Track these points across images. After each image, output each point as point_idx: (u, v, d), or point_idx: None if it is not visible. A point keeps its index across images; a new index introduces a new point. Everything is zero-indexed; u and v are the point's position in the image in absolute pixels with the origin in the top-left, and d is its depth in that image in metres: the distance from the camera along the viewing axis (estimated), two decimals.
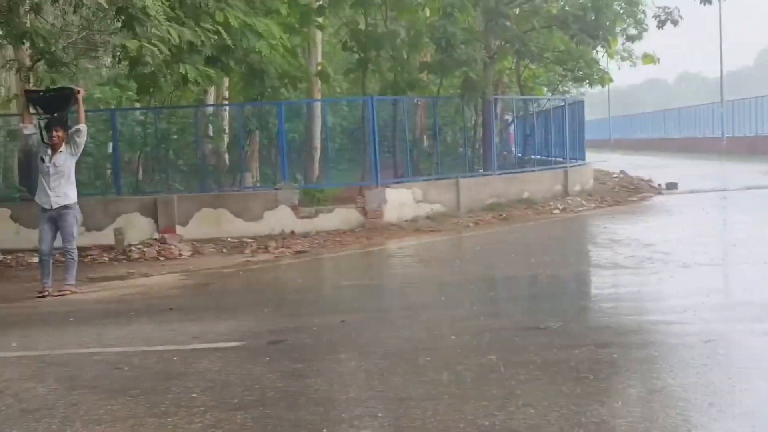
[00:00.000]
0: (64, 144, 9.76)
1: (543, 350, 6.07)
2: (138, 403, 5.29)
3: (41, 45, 13.64)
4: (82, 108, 10.22)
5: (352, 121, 21.03)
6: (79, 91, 10.38)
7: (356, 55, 18.44)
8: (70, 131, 9.90)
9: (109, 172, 18.16)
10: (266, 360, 6.20)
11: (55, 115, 10.07)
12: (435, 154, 18.29)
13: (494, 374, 5.52)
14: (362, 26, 17.95)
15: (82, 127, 10.02)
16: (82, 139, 10.01)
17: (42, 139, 9.86)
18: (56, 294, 9.70)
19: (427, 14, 19.03)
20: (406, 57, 18.46)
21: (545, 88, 26.88)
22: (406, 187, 15.75)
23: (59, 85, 11.20)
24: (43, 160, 9.76)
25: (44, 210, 9.77)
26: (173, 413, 5.03)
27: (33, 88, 11.23)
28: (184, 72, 13.80)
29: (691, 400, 4.85)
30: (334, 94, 21.57)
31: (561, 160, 20.51)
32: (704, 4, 18.10)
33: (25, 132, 10.14)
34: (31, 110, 10.21)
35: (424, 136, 21.17)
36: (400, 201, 15.21)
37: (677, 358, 5.80)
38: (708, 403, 4.77)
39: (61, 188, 9.71)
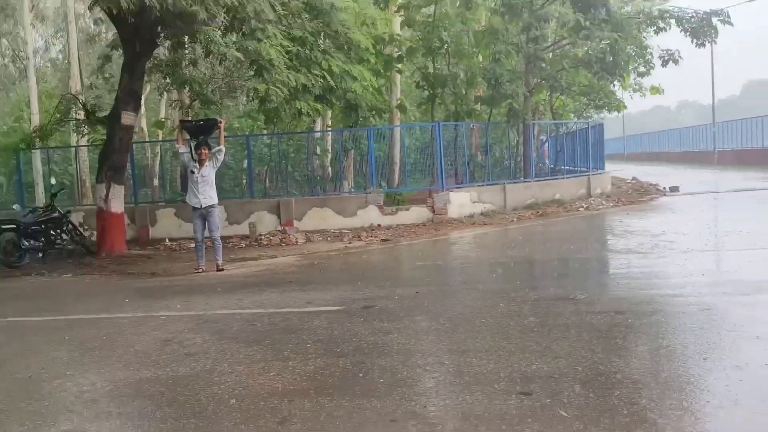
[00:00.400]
0: (208, 160, 9.99)
1: (573, 315, 5.99)
2: (267, 350, 5.43)
3: (197, 89, 14.15)
4: (222, 134, 10.45)
5: (423, 141, 20.98)
6: (221, 122, 10.68)
7: (426, 92, 18.39)
8: (213, 150, 10.11)
9: (245, 181, 18.60)
10: (361, 320, 6.25)
11: (201, 138, 10.30)
12: (486, 166, 18.08)
13: (534, 333, 5.46)
14: (431, 70, 17.89)
15: (222, 148, 10.30)
16: (221, 157, 10.27)
17: (192, 156, 10.14)
18: (210, 271, 9.98)
19: (480, 59, 18.82)
20: (464, 92, 18.31)
21: (572, 114, 26.25)
22: (465, 191, 15.61)
23: (209, 118, 11.49)
24: (192, 172, 10.00)
25: (195, 209, 10.05)
26: (293, 358, 5.15)
27: (186, 119, 11.56)
28: (299, 107, 14.04)
29: (690, 355, 4.74)
30: (409, 122, 21.52)
31: (585, 169, 20.01)
32: (698, 47, 17.38)
33: (180, 151, 10.43)
34: (185, 136, 10.48)
35: (478, 152, 21.00)
36: (460, 201, 15.09)
37: (679, 322, 5.66)
38: (703, 358, 4.64)
39: (207, 192, 9.95)
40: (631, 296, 6.89)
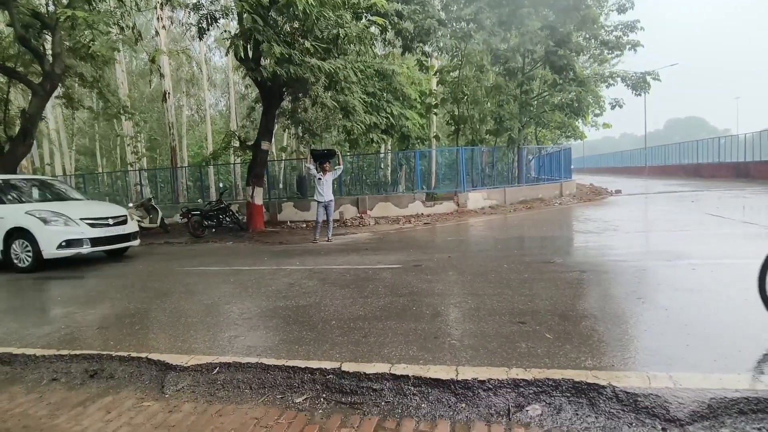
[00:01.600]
0: (328, 172, 10.05)
1: (552, 273, 5.82)
2: (354, 291, 5.46)
3: (306, 126, 14.30)
4: (340, 158, 10.41)
5: (451, 159, 20.60)
6: (336, 151, 10.71)
7: (453, 127, 18.13)
8: (334, 167, 10.18)
9: (336, 184, 18.71)
10: (413, 274, 6.23)
11: (324, 160, 10.35)
12: (493, 175, 17.67)
13: (527, 284, 5.33)
14: (456, 112, 17.62)
15: (339, 167, 10.36)
16: (339, 171, 10.34)
17: (317, 169, 10.28)
18: (323, 241, 10.03)
19: (489, 105, 18.39)
20: (478, 127, 17.99)
21: (550, 141, 25.32)
22: (479, 192, 15.31)
23: (329, 148, 11.53)
24: (319, 179, 10.08)
25: (319, 202, 10.15)
26: (370, 296, 5.17)
27: (314, 148, 11.57)
28: (371, 137, 14.07)
29: (631, 300, 4.53)
30: (442, 147, 21.25)
31: (558, 178, 19.25)
32: (636, 96, 16.50)
33: (309, 166, 10.53)
34: (311, 159, 10.53)
35: (487, 166, 20.50)
36: (476, 199, 14.84)
37: (624, 278, 5.40)
38: (642, 301, 4.43)
39: (327, 192, 10.02)
40: (591, 261, 6.62)
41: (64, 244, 7.85)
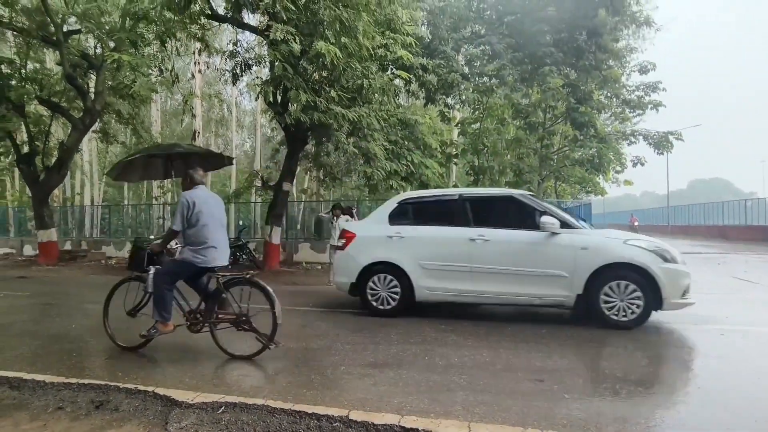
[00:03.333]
0: (342, 218, 10.11)
1: (571, 329, 5.60)
2: (365, 336, 5.28)
3: (328, 170, 14.61)
4: (353, 215, 10.45)
5: None
6: (351, 207, 10.86)
7: (472, 177, 18.30)
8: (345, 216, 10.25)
9: None
10: (426, 322, 6.05)
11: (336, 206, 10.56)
12: None
13: (545, 340, 5.15)
14: (476, 163, 17.86)
15: (347, 218, 10.24)
16: (351, 219, 10.26)
17: (332, 215, 10.49)
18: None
19: (509, 157, 18.61)
20: (497, 178, 18.08)
21: (570, 196, 25.25)
22: None
23: (349, 206, 11.63)
24: (331, 223, 10.30)
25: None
26: (382, 342, 5.00)
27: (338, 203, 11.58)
28: (391, 184, 14.12)
29: (656, 363, 4.29)
30: None
31: None
32: (658, 155, 16.56)
33: (324, 216, 10.72)
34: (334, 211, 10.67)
35: None
36: None
37: (647, 339, 5.13)
38: (666, 365, 4.19)
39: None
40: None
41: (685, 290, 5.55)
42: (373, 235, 6.48)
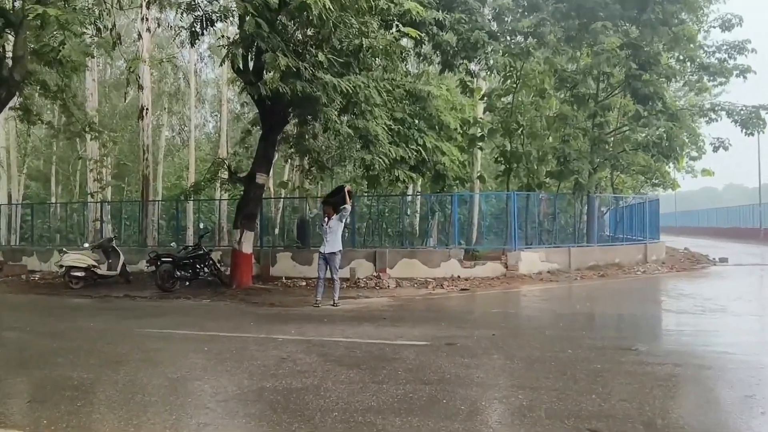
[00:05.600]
0: (334, 215, 10.15)
1: (634, 365, 5.61)
2: (365, 374, 5.39)
3: (315, 157, 14.59)
4: (347, 196, 10.29)
5: (498, 207, 20.66)
6: (344, 187, 10.76)
7: (503, 166, 18.31)
8: (339, 207, 10.19)
9: (347, 233, 18.76)
10: (444, 354, 6.12)
11: (331, 200, 10.48)
12: (553, 231, 17.58)
13: (600, 378, 5.14)
14: (508, 148, 17.88)
15: (348, 206, 10.27)
16: (345, 213, 10.26)
17: (323, 215, 10.49)
18: (328, 305, 9.94)
19: (551, 140, 18.61)
20: (536, 167, 18.11)
21: (630, 190, 25.21)
22: (534, 251, 15.15)
23: (339, 186, 11.70)
24: (321, 225, 10.31)
25: (320, 253, 10.26)
26: (386, 381, 5.08)
27: (327, 198, 11.60)
28: (397, 175, 14.19)
29: (744, 409, 4.30)
30: (487, 191, 21.39)
31: (641, 238, 19.01)
32: (747, 136, 16.49)
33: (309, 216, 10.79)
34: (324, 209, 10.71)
35: (546, 219, 20.48)
36: (530, 260, 14.64)
37: (731, 377, 5.16)
38: (760, 411, 4.20)
39: (331, 241, 10.06)
40: (686, 351, 6.39)
41: None
42: None
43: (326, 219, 10.26)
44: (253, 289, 12.53)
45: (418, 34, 11.88)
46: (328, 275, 10.24)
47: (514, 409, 4.35)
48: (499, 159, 18.48)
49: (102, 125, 20.57)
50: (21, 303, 11.53)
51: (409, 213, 20.06)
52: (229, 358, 6.05)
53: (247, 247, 13.02)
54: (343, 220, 10.36)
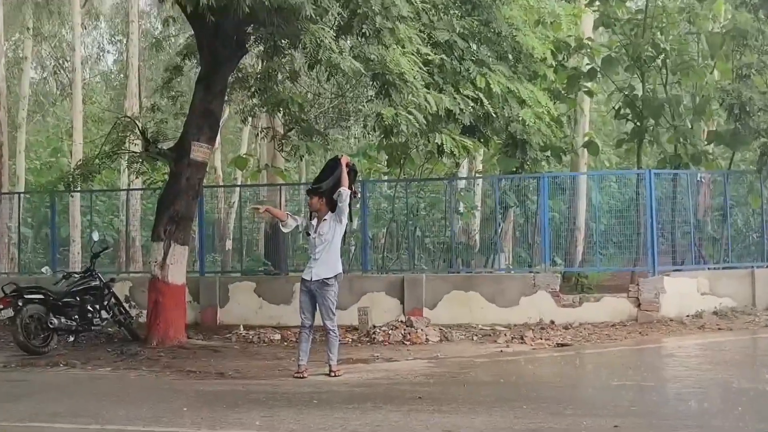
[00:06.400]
0: (329, 212, 10.12)
1: None
2: None
3: (295, 112, 14.54)
4: (344, 173, 10.18)
5: (623, 198, 20.46)
6: (340, 158, 10.70)
7: (630, 125, 18.09)
8: (336, 196, 10.08)
9: (354, 248, 18.73)
10: None
11: (314, 186, 10.50)
12: (723, 239, 17.30)
13: None
14: (638, 92, 17.62)
15: (341, 190, 10.03)
16: (343, 204, 10.05)
17: (311, 216, 10.43)
18: (320, 375, 10.04)
19: (716, 76, 18.36)
20: (689, 126, 17.87)
21: None
22: (689, 276, 14.97)
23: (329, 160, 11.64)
24: (308, 234, 10.28)
25: (303, 281, 10.27)
26: None
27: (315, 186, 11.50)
28: (440, 142, 14.05)
29: None
30: (602, 168, 21.22)
31: None
32: None
33: (284, 230, 10.79)
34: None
35: (709, 218, 20.12)
36: (681, 292, 14.50)
37: None
38: None
39: (322, 260, 10.05)
40: None
41: None
42: None
43: (313, 221, 10.25)
44: (187, 348, 12.60)
45: None
46: (318, 321, 10.24)
47: None
48: (622, 112, 18.28)
49: None
50: None
51: (462, 210, 19.91)
52: None
53: (177, 274, 13.12)
54: (344, 221, 10.26)
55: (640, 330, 13.45)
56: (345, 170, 10.19)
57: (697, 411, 8.25)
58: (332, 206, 10.10)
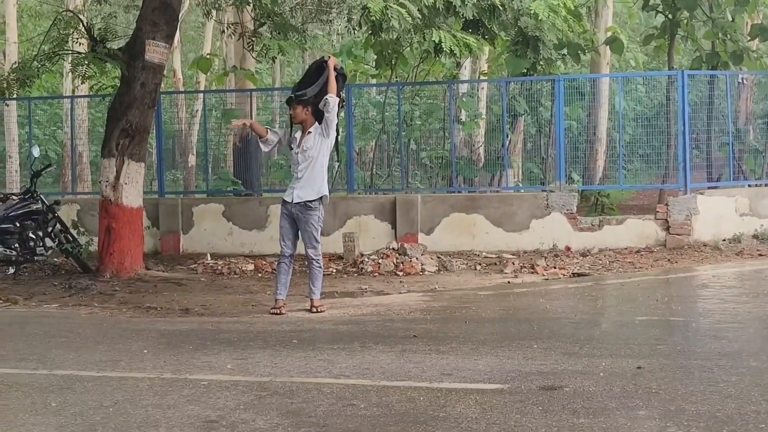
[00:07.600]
0: (313, 125, 10.11)
1: None
2: None
3: (268, 4, 14.38)
4: (331, 77, 10.10)
5: (651, 104, 20.51)
6: (328, 59, 10.58)
7: (661, 17, 17.96)
8: (322, 104, 10.05)
9: (337, 164, 18.65)
10: (539, 410, 6.08)
11: (296, 94, 10.33)
12: (767, 152, 17.34)
13: None
14: None
15: (329, 97, 9.97)
16: (331, 114, 10.03)
17: (291, 127, 10.41)
18: (301, 311, 10.17)
19: None
20: (730, 18, 17.76)
21: None
22: (726, 195, 15.04)
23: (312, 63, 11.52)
24: (291, 148, 10.27)
25: (284, 203, 10.32)
26: None
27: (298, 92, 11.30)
28: (437, 40, 13.94)
29: None
30: (627, 68, 21.13)
31: None
32: None
33: (264, 149, 10.66)
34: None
35: (751, 126, 20.12)
36: (717, 213, 14.58)
37: None
38: None
39: (307, 180, 10.07)
40: None
41: None
42: None
43: (297, 134, 10.22)
44: (146, 281, 12.68)
45: None
46: (300, 249, 10.29)
47: None
48: (652, 2, 18.14)
49: None
50: None
51: (464, 120, 19.87)
52: (100, 422, 6.06)
53: (133, 195, 13.12)
54: (332, 135, 10.25)
55: (668, 257, 13.55)
56: (333, 74, 10.11)
57: (734, 350, 8.32)
58: (318, 117, 10.07)
